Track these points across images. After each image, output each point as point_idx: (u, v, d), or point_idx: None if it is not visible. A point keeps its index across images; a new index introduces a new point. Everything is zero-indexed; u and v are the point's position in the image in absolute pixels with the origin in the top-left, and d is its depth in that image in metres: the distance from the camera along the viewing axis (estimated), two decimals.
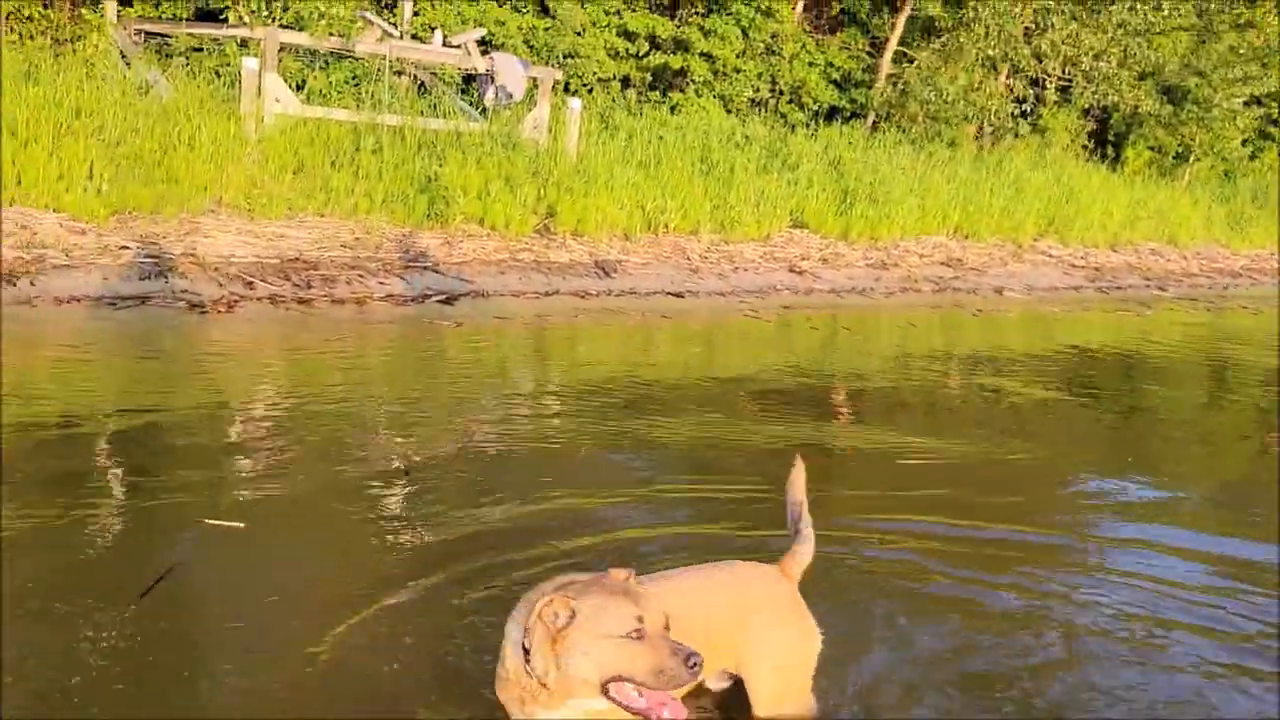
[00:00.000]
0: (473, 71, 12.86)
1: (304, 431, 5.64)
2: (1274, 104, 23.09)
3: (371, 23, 11.59)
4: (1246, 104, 21.39)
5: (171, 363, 6.76)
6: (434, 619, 3.68)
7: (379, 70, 11.87)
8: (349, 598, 3.77)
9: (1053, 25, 18.11)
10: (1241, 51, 20.81)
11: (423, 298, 9.33)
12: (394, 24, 12.80)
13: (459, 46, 12.36)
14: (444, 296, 9.44)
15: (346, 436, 5.59)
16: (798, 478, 3.01)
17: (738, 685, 2.90)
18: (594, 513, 4.81)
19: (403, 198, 10.59)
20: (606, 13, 15.94)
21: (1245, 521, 5.48)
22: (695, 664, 2.19)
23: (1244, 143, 22.78)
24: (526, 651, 2.32)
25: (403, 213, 10.48)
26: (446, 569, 4.06)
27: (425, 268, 9.86)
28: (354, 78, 12.50)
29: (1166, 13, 18.91)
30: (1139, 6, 18.46)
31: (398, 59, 12.18)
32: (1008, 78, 19.11)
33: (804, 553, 2.89)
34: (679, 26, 16.45)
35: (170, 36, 11.81)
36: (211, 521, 4.35)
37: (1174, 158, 21.88)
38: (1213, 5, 20.24)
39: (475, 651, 3.43)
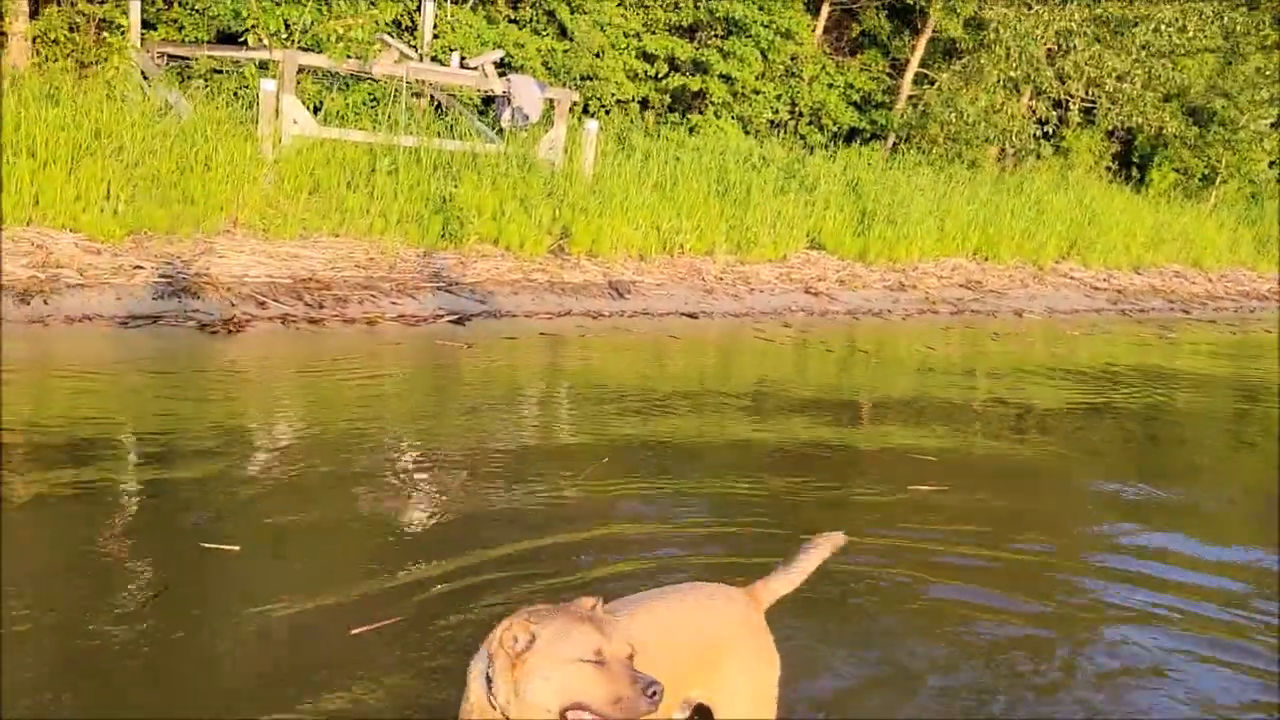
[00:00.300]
0: (490, 93, 12.94)
1: (304, 453, 5.64)
2: None
3: (390, 45, 11.69)
4: (1274, 125, 21.16)
5: (174, 381, 6.78)
6: (422, 642, 3.66)
7: (396, 92, 11.97)
8: (333, 618, 3.75)
9: (1075, 47, 18.00)
10: (1268, 73, 20.61)
11: (434, 318, 9.34)
12: (414, 46, 12.91)
13: (476, 68, 12.44)
14: (456, 317, 9.46)
15: (348, 458, 5.58)
16: (824, 548, 2.96)
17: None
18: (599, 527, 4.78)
19: (417, 218, 10.64)
20: (625, 35, 16.00)
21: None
22: (654, 693, 2.14)
23: (1271, 165, 22.52)
24: (490, 681, 2.28)
25: (417, 233, 10.52)
26: (439, 590, 4.04)
27: (438, 288, 9.88)
28: (372, 99, 12.60)
29: (1192, 34, 18.72)
30: (1163, 28, 18.32)
31: (416, 80, 12.28)
32: (1030, 99, 19.01)
33: (782, 585, 2.85)
34: (698, 48, 16.49)
35: (192, 59, 11.96)
36: (207, 545, 4.35)
37: (1200, 180, 21.67)
38: (1239, 27, 20.01)
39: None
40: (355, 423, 6.25)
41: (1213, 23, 18.95)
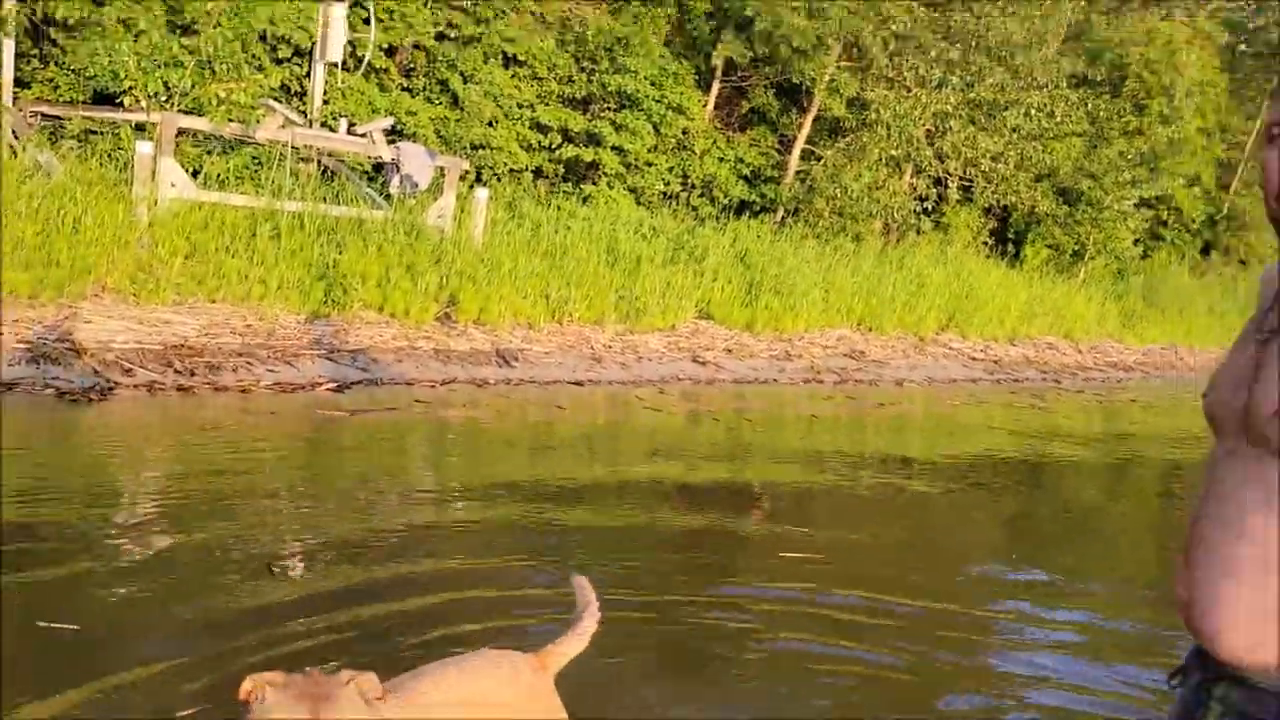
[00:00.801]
0: (380, 160, 12.89)
1: (149, 526, 5.41)
2: (1163, 207, 24.34)
3: (275, 110, 11.57)
4: (1136, 206, 22.43)
5: (24, 452, 6.46)
6: None
7: (281, 156, 11.82)
8: (168, 694, 3.58)
9: (951, 128, 18.89)
10: (1130, 156, 21.91)
11: (313, 385, 9.13)
12: (303, 111, 12.80)
13: (364, 135, 12.39)
14: (336, 384, 9.26)
15: (204, 532, 5.37)
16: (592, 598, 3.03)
17: None
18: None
19: (299, 284, 10.45)
20: (519, 106, 16.18)
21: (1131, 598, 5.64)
22: None
23: (1135, 242, 23.82)
24: None
25: (299, 299, 10.33)
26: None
27: (318, 355, 9.69)
28: (256, 162, 12.42)
29: (1059, 119, 19.91)
30: (1033, 113, 19.45)
31: (303, 145, 12.16)
32: (911, 176, 19.81)
33: (572, 646, 2.85)
34: (591, 120, 16.75)
35: (66, 119, 11.63)
36: (44, 624, 4.12)
37: (1070, 255, 22.76)
38: (1103, 113, 21.33)
39: None
40: (207, 495, 6.02)
41: (1078, 108, 20.21)
